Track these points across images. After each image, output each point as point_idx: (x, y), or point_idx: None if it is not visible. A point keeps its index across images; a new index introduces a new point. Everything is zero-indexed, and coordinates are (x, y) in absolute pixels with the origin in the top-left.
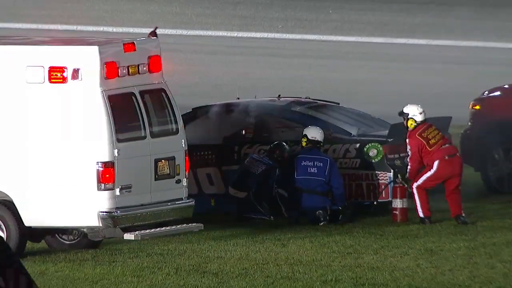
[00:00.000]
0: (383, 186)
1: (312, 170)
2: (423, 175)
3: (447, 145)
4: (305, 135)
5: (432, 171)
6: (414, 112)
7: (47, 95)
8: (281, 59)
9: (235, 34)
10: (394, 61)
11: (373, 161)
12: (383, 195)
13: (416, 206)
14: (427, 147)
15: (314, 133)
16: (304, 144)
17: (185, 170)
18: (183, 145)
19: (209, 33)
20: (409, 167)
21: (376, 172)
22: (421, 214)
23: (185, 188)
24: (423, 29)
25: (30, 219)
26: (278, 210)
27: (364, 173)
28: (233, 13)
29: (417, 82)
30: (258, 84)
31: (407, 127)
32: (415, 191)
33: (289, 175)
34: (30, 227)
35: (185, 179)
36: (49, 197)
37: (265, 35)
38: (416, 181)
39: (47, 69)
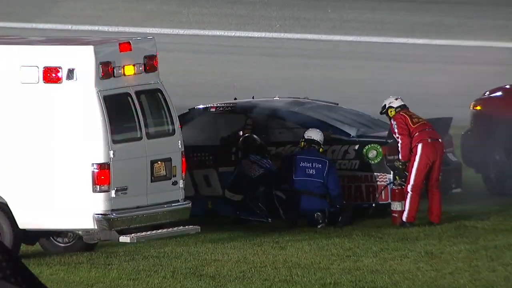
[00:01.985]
0: (382, 188)
1: (311, 172)
2: (411, 171)
3: (430, 129)
4: (303, 136)
5: (417, 158)
6: (390, 100)
7: (41, 96)
8: (279, 58)
9: (232, 33)
10: (394, 60)
11: (372, 162)
12: (383, 197)
13: (404, 208)
14: (410, 123)
15: (310, 132)
16: (301, 145)
17: (182, 172)
18: (180, 146)
19: (206, 32)
20: (399, 143)
21: (376, 173)
22: (404, 218)
23: (182, 190)
24: (423, 28)
25: (25, 221)
26: (276, 212)
27: (363, 175)
28: (230, 12)
29: (417, 82)
30: (256, 84)
31: (390, 117)
32: (410, 192)
33: (287, 176)
34: (24, 230)
35: (182, 180)
36: (44, 199)
37: (262, 34)
38: (408, 182)
39: (41, 69)
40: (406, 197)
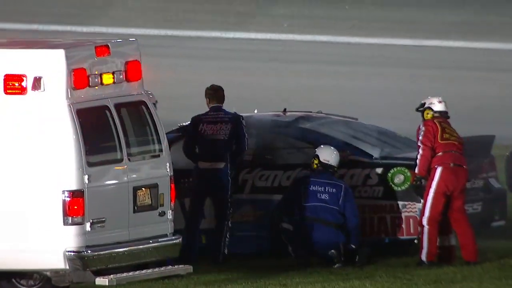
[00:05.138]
0: (410, 220)
1: (323, 197)
2: (426, 199)
3: (457, 153)
4: (317, 156)
5: (434, 184)
6: (432, 101)
7: (1, 109)
8: (287, 64)
9: (230, 34)
10: (425, 67)
11: (399, 189)
12: (411, 231)
13: (422, 245)
14: (438, 136)
15: (327, 155)
16: (315, 166)
17: (170, 200)
18: (168, 170)
19: (199, 33)
20: (419, 153)
21: (403, 202)
22: (423, 257)
23: (170, 222)
24: (459, 29)
25: None
26: (284, 249)
27: (388, 204)
28: (228, 9)
29: (453, 92)
30: (259, 95)
31: (424, 120)
32: (426, 226)
33: (294, 203)
34: None
35: (170, 211)
36: (4, 233)
37: (267, 35)
38: (423, 214)
39: (1, 78)
40: (422, 232)
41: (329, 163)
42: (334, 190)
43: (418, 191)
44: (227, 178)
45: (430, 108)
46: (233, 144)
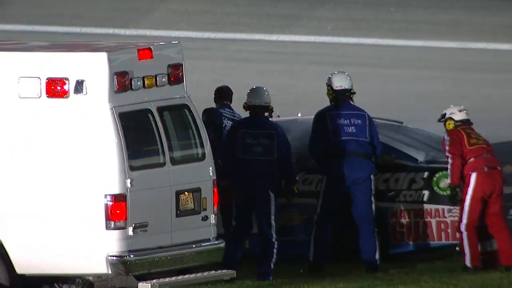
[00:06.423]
0: (456, 225)
1: (350, 130)
2: (463, 206)
3: (489, 155)
4: (329, 86)
5: (470, 190)
6: (452, 111)
7: (44, 113)
8: (331, 67)
9: (274, 37)
10: (471, 70)
11: (444, 193)
12: (457, 235)
13: (464, 251)
14: (465, 143)
15: (338, 80)
16: (331, 98)
17: (213, 205)
18: (211, 174)
19: (243, 36)
20: (449, 163)
21: (449, 207)
22: (468, 263)
23: (213, 226)
24: (507, 31)
25: (24, 265)
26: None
27: (433, 208)
28: (273, 12)
29: (499, 96)
30: (303, 98)
31: (447, 130)
32: (464, 232)
33: (323, 139)
34: (23, 275)
35: (213, 215)
36: (47, 238)
37: (311, 38)
38: (460, 220)
39: (44, 81)
40: (462, 239)
41: (343, 87)
42: (359, 121)
43: (454, 200)
44: None
45: (451, 119)
46: None
